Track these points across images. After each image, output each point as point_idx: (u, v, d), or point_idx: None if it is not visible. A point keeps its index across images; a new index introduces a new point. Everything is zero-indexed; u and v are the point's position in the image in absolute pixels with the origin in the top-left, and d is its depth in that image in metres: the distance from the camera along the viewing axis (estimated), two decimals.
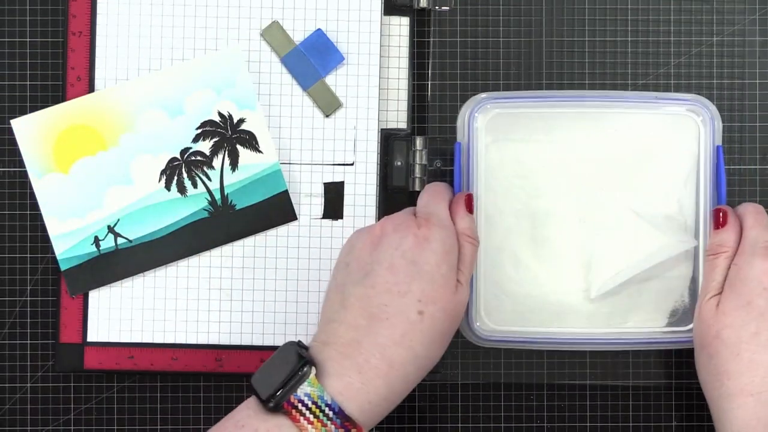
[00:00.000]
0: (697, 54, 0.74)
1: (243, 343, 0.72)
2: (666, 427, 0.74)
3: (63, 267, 0.65)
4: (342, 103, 0.72)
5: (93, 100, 0.63)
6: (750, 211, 0.65)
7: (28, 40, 0.74)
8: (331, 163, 0.73)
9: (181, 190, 0.65)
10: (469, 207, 0.63)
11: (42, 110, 0.64)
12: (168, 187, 0.65)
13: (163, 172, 0.64)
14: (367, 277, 0.58)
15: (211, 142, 0.64)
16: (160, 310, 0.72)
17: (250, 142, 0.64)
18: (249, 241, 0.72)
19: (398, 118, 0.73)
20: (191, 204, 0.65)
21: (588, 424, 0.74)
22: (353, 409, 0.55)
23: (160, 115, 0.64)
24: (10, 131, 0.74)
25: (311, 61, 0.72)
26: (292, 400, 0.55)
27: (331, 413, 0.54)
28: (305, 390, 0.55)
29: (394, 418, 0.74)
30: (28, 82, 0.74)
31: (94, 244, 0.65)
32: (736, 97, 0.74)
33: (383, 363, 0.56)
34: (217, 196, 0.65)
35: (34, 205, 0.73)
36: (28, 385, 0.73)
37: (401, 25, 0.73)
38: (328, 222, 0.72)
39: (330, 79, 0.72)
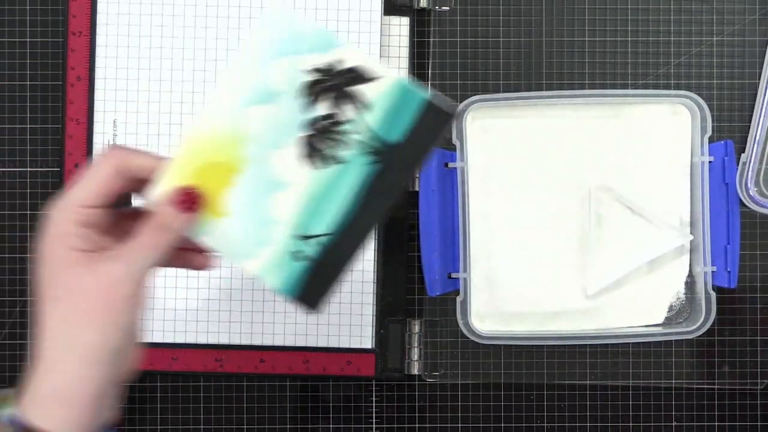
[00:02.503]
0: (697, 54, 0.74)
1: (243, 343, 0.72)
2: (666, 427, 0.74)
3: (290, 296, 0.62)
4: None
5: (190, 145, 0.59)
6: None
7: (28, 40, 0.74)
8: None
9: (334, 159, 0.60)
10: (177, 203, 0.59)
11: (155, 182, 0.59)
12: (320, 165, 0.60)
13: (305, 156, 0.60)
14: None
15: (329, 100, 0.60)
16: (159, 310, 0.72)
17: (363, 75, 0.61)
18: None
19: None
20: (354, 166, 0.60)
21: (588, 424, 0.74)
22: (25, 410, 0.56)
23: (261, 109, 0.60)
24: (11, 131, 0.74)
25: None
26: None
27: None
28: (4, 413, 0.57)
29: (394, 418, 0.74)
30: (28, 82, 0.74)
31: (300, 260, 0.62)
32: (736, 96, 0.74)
33: (36, 356, 0.57)
34: (373, 143, 0.61)
35: (34, 205, 0.74)
36: None
37: (401, 25, 0.73)
38: None
39: None
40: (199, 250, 0.62)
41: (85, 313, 0.57)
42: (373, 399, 0.74)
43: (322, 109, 0.60)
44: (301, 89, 0.60)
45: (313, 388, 0.74)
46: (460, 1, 0.74)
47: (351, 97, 0.60)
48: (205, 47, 0.72)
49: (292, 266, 0.61)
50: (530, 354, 0.73)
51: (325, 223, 0.61)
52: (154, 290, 0.72)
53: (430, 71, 0.74)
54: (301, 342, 0.73)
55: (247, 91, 0.60)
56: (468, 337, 0.71)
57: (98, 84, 0.72)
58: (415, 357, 0.73)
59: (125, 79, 0.73)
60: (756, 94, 0.73)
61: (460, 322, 0.70)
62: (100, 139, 0.72)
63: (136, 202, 0.61)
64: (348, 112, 0.60)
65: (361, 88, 0.60)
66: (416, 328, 0.73)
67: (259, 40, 0.60)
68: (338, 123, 0.60)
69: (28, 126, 0.74)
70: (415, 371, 0.73)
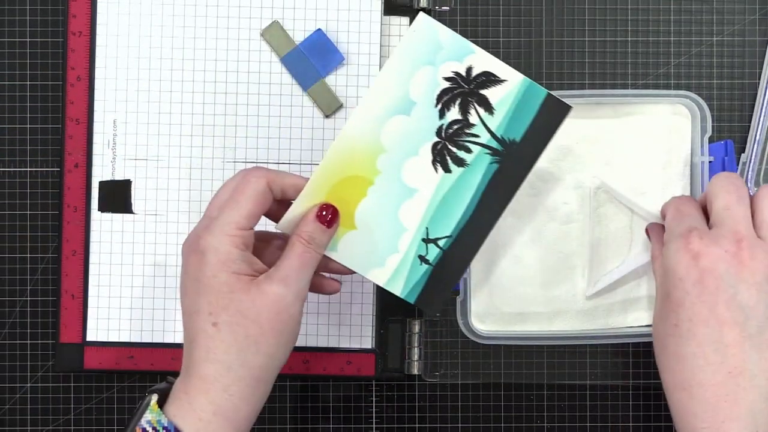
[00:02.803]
0: (697, 54, 0.74)
1: None
2: (666, 427, 0.74)
3: (411, 300, 0.63)
4: (342, 103, 0.72)
5: (330, 160, 0.61)
6: (671, 204, 0.64)
7: (28, 40, 0.74)
8: None
9: (460, 163, 0.62)
10: (321, 219, 0.61)
11: (294, 203, 0.61)
12: (447, 169, 0.62)
13: (434, 162, 0.62)
14: (181, 303, 0.60)
15: (457, 106, 0.61)
16: (159, 310, 0.72)
17: (489, 80, 0.62)
18: None
19: None
20: (477, 168, 0.62)
21: (588, 424, 0.74)
22: (187, 427, 0.57)
23: (398, 120, 0.61)
24: (11, 131, 0.74)
25: (311, 61, 0.72)
26: (137, 429, 0.57)
27: None
28: (147, 417, 0.57)
29: (394, 418, 0.74)
30: (28, 82, 0.74)
31: (423, 264, 0.63)
32: (736, 96, 0.74)
33: (200, 381, 0.57)
34: (494, 144, 0.62)
35: (34, 205, 0.74)
36: (28, 385, 0.73)
37: (401, 25, 0.73)
38: None
39: (330, 79, 0.72)
40: (329, 274, 0.64)
41: (259, 336, 0.58)
42: (373, 399, 0.74)
43: (451, 115, 0.61)
44: (435, 97, 0.61)
45: (313, 388, 0.74)
46: (460, 1, 0.74)
47: (477, 102, 0.61)
48: (205, 47, 0.72)
49: (416, 270, 0.62)
50: (530, 354, 0.73)
51: (449, 226, 0.62)
52: (155, 290, 0.72)
53: None
54: (301, 342, 0.73)
55: (389, 103, 0.61)
56: (468, 337, 0.71)
57: (98, 84, 0.72)
58: (415, 357, 0.73)
59: (125, 79, 0.73)
60: (756, 94, 0.73)
61: (460, 322, 0.70)
62: (100, 139, 0.72)
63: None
64: (473, 116, 0.61)
65: (487, 92, 0.61)
66: (416, 328, 0.73)
67: (407, 50, 0.61)
68: (464, 127, 0.61)
69: (28, 126, 0.74)
70: (415, 371, 0.73)
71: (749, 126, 0.73)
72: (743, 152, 0.73)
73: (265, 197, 0.59)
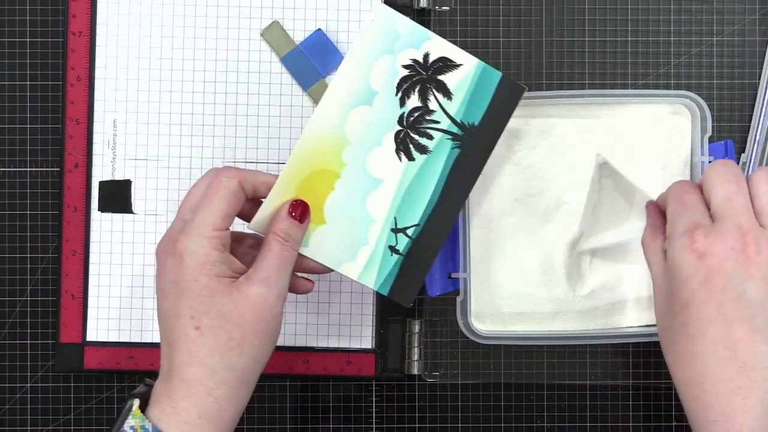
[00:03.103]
0: (697, 54, 0.74)
1: None
2: (666, 427, 0.74)
3: (384, 292, 0.63)
4: None
5: (298, 156, 0.61)
6: (674, 193, 0.62)
7: (28, 40, 0.74)
8: None
9: (422, 150, 0.62)
10: (293, 213, 0.61)
11: (265, 201, 0.61)
12: (411, 157, 0.62)
13: (397, 151, 0.62)
14: (158, 306, 0.59)
15: (417, 93, 0.62)
16: None
17: (446, 64, 0.62)
18: None
19: None
20: (439, 153, 0.62)
21: (588, 424, 0.74)
22: (172, 431, 0.56)
23: (360, 111, 0.61)
24: (11, 131, 0.74)
25: (311, 61, 0.72)
26: None
27: None
28: (130, 423, 0.57)
29: (394, 418, 0.74)
30: (28, 82, 0.74)
31: (393, 254, 0.63)
32: (736, 96, 0.74)
33: (183, 385, 0.57)
34: (454, 129, 0.62)
35: (34, 205, 0.74)
36: (28, 385, 0.73)
37: None
38: None
39: (330, 79, 0.72)
40: (301, 273, 0.64)
41: (242, 339, 0.58)
42: (373, 399, 0.74)
43: (411, 102, 0.61)
44: (395, 86, 0.61)
45: (313, 388, 0.74)
46: (460, 1, 0.74)
47: (435, 88, 0.61)
48: (205, 47, 0.72)
49: (387, 261, 0.62)
50: (530, 354, 0.73)
51: (416, 214, 0.62)
52: (154, 290, 0.72)
53: None
54: (301, 342, 0.73)
55: (351, 94, 0.61)
56: (468, 337, 0.71)
57: (98, 84, 0.72)
58: (415, 357, 0.73)
59: (125, 79, 0.73)
60: (756, 94, 0.73)
61: (460, 322, 0.70)
62: (100, 139, 0.72)
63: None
64: (432, 102, 0.61)
65: (444, 78, 0.61)
66: (416, 328, 0.73)
67: (366, 41, 0.61)
68: (425, 114, 0.62)
69: (28, 126, 0.74)
70: (415, 371, 0.73)
71: (749, 126, 0.73)
72: (743, 152, 0.73)
73: (238, 196, 0.59)
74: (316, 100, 0.72)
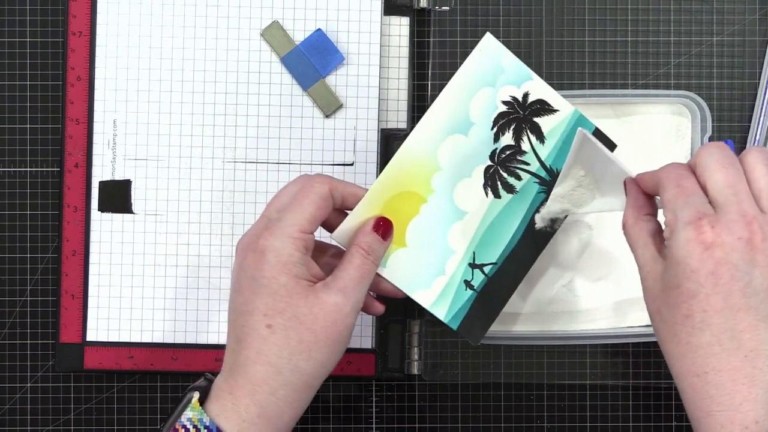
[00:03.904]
0: (697, 54, 0.74)
1: None
2: (666, 427, 0.74)
3: (454, 327, 0.63)
4: (342, 103, 0.72)
5: (389, 174, 0.60)
6: (670, 177, 0.58)
7: (28, 40, 0.74)
8: (331, 163, 0.73)
9: (509, 189, 0.62)
10: (378, 229, 0.60)
11: (351, 213, 0.61)
12: (497, 194, 0.62)
13: (485, 186, 0.61)
14: (232, 301, 0.59)
15: (511, 131, 0.61)
16: (159, 310, 0.72)
17: (543, 108, 0.61)
18: None
19: (398, 118, 0.73)
20: (525, 195, 0.62)
21: (588, 424, 0.74)
22: (230, 428, 0.56)
23: (455, 139, 0.60)
24: (11, 131, 0.74)
25: (311, 61, 0.72)
26: (177, 426, 0.57)
27: None
28: (188, 415, 0.57)
29: (394, 418, 0.74)
30: (28, 82, 0.74)
31: (468, 289, 0.62)
32: (736, 97, 0.74)
33: (248, 382, 0.57)
34: (542, 173, 0.62)
35: (34, 205, 0.74)
36: (28, 385, 0.73)
37: (401, 25, 0.73)
38: None
39: (330, 79, 0.72)
40: (374, 292, 0.64)
41: (312, 344, 0.57)
42: (373, 399, 0.74)
43: (505, 140, 0.61)
44: (492, 120, 0.60)
45: None
46: (460, 1, 0.74)
47: (530, 129, 0.61)
48: (205, 47, 0.72)
49: (461, 295, 0.62)
50: (530, 354, 0.73)
51: (495, 252, 0.62)
52: (155, 290, 0.72)
53: (430, 71, 0.74)
54: None
55: (449, 121, 0.60)
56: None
57: (98, 84, 0.72)
58: (415, 357, 0.73)
59: (125, 79, 0.73)
60: (756, 94, 0.73)
61: None
62: (100, 139, 0.72)
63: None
64: (525, 143, 0.61)
65: (540, 120, 0.61)
66: (416, 328, 0.73)
67: (471, 70, 0.60)
68: (516, 154, 0.61)
69: (28, 126, 0.74)
70: (415, 371, 0.73)
71: (749, 126, 0.73)
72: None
73: (327, 203, 0.59)
74: (316, 100, 0.72)
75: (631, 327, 0.72)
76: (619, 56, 0.74)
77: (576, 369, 0.73)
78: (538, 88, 0.61)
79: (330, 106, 0.72)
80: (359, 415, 0.74)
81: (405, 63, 0.73)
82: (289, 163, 0.72)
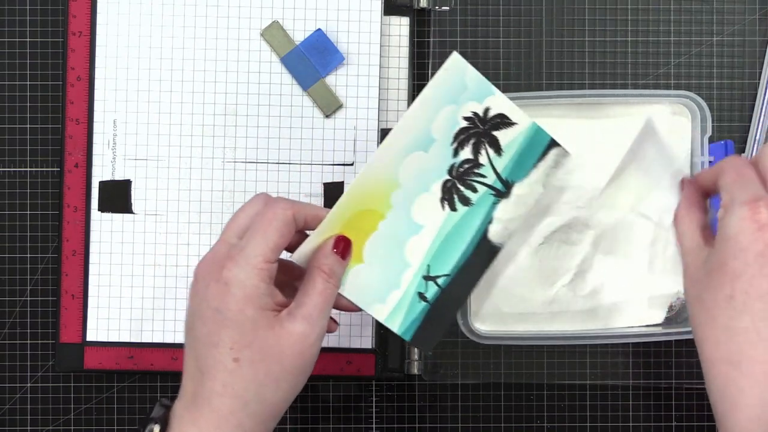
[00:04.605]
0: (697, 54, 0.74)
1: None
2: (666, 427, 0.74)
3: (407, 338, 0.63)
4: (342, 103, 0.72)
5: (351, 194, 0.60)
6: (730, 165, 0.60)
7: (28, 40, 0.74)
8: (331, 163, 0.73)
9: (465, 202, 0.62)
10: (338, 249, 0.59)
11: (312, 234, 0.60)
12: (454, 208, 0.62)
13: (442, 200, 0.61)
14: (191, 328, 0.57)
15: (470, 146, 0.61)
16: (159, 310, 0.72)
17: (503, 122, 0.62)
18: None
19: (398, 118, 0.73)
20: (480, 207, 0.62)
21: (588, 424, 0.74)
22: None
23: (416, 156, 0.61)
24: (11, 131, 0.74)
25: (311, 61, 0.72)
26: None
27: None
28: None
29: (394, 418, 0.74)
30: (28, 82, 0.74)
31: (421, 301, 0.62)
32: (736, 96, 0.74)
33: (213, 414, 0.56)
34: (498, 185, 0.62)
35: (34, 205, 0.74)
36: (28, 385, 0.74)
37: (401, 25, 0.73)
38: None
39: (330, 79, 0.72)
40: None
41: (280, 374, 0.57)
42: (373, 399, 0.74)
43: (464, 154, 0.61)
44: (452, 136, 0.61)
45: (313, 388, 0.74)
46: (460, 1, 0.74)
47: (489, 143, 0.61)
48: (205, 47, 0.73)
49: (414, 308, 0.62)
50: (530, 354, 0.73)
51: (449, 264, 0.62)
52: (155, 290, 0.72)
53: (430, 71, 0.74)
54: None
55: (411, 139, 0.60)
56: (468, 337, 0.71)
57: (98, 84, 0.72)
58: (415, 357, 0.73)
59: (125, 79, 0.73)
60: (756, 94, 0.73)
61: (460, 322, 0.70)
62: (100, 139, 0.72)
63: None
64: (483, 156, 0.61)
65: (499, 134, 0.61)
66: None
67: (437, 88, 0.60)
68: (474, 167, 0.61)
69: (28, 126, 0.74)
70: (415, 371, 0.73)
71: (749, 126, 0.73)
72: (743, 152, 0.73)
73: (290, 228, 0.58)
74: (316, 100, 0.72)
75: (631, 327, 0.72)
76: (619, 56, 0.74)
77: (576, 369, 0.73)
78: (500, 103, 0.62)
79: (330, 106, 0.72)
80: (359, 415, 0.74)
81: (405, 63, 0.73)
82: (289, 163, 0.72)
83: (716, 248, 0.57)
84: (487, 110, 0.62)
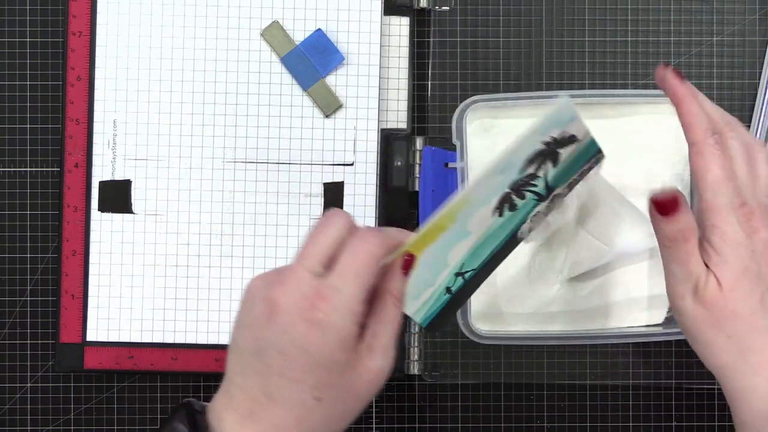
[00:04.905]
0: (697, 54, 0.74)
1: None
2: (666, 427, 0.74)
3: (424, 326, 0.62)
4: (342, 103, 0.72)
5: (437, 214, 0.58)
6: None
7: (28, 40, 0.74)
8: (331, 163, 0.73)
9: (513, 208, 0.60)
10: (406, 269, 0.56)
11: (393, 254, 0.57)
12: (502, 214, 0.60)
13: (495, 209, 0.60)
14: (262, 353, 0.54)
15: (537, 163, 0.60)
16: (159, 310, 0.72)
17: (571, 140, 0.60)
18: (249, 240, 0.72)
19: (398, 118, 0.73)
20: (522, 210, 0.61)
21: (588, 424, 0.74)
22: None
23: (490, 178, 0.58)
24: (11, 131, 0.74)
25: (311, 61, 0.72)
26: None
27: None
28: None
29: (394, 418, 0.74)
30: (28, 82, 0.74)
31: (446, 293, 0.61)
32: (736, 96, 0.74)
33: None
34: (544, 192, 0.61)
35: (34, 205, 0.74)
36: (28, 385, 0.73)
37: (401, 25, 0.73)
38: None
39: (330, 79, 0.72)
40: None
41: (354, 409, 0.56)
42: (373, 399, 0.74)
43: (529, 170, 0.60)
44: (527, 158, 0.59)
45: None
46: (460, 1, 0.74)
47: (552, 159, 0.60)
48: (205, 47, 0.72)
49: (439, 300, 0.61)
50: (530, 354, 0.73)
51: (479, 260, 0.61)
52: (155, 290, 0.72)
53: (430, 71, 0.74)
54: None
55: (493, 165, 0.58)
56: (468, 337, 0.71)
57: (98, 84, 0.72)
58: (415, 357, 0.73)
59: (125, 79, 0.73)
60: (756, 94, 0.73)
61: (460, 322, 0.70)
62: (100, 139, 0.72)
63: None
64: (542, 170, 0.60)
65: (563, 150, 0.60)
66: (416, 328, 0.73)
67: (540, 125, 0.58)
68: (531, 179, 0.60)
69: (28, 126, 0.74)
70: (415, 371, 0.73)
71: (749, 126, 0.73)
72: None
73: (378, 262, 0.55)
74: (316, 100, 0.72)
75: (631, 327, 0.72)
76: (619, 56, 0.74)
77: (576, 369, 0.73)
78: (580, 127, 0.60)
79: (330, 106, 0.72)
80: (359, 415, 0.74)
81: (405, 63, 0.73)
82: (289, 163, 0.72)
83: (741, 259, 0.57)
84: (564, 133, 0.60)
